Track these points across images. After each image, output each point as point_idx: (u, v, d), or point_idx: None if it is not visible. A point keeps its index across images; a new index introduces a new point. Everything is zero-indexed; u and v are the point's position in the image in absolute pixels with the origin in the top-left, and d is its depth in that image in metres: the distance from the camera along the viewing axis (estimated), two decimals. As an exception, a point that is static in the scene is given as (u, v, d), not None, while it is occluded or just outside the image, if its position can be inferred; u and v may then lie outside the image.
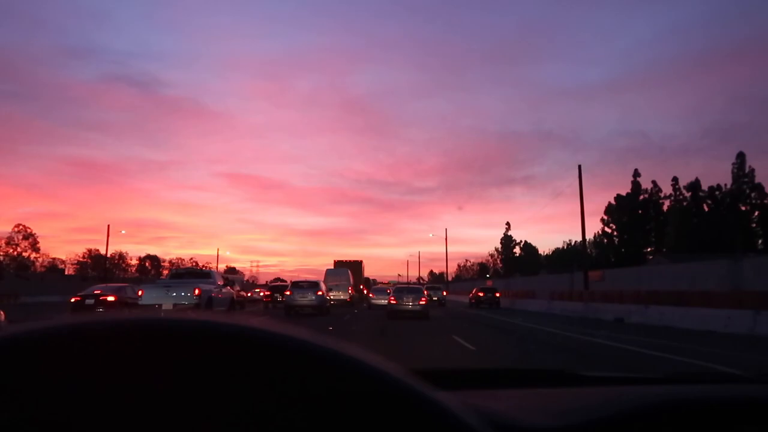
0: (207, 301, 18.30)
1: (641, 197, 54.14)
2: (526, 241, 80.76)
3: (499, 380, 1.30)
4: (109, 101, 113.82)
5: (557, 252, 77.67)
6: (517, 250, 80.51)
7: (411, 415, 0.49)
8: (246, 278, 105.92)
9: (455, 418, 0.49)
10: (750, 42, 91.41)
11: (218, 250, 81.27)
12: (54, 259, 65.98)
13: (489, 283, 50.61)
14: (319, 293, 23.51)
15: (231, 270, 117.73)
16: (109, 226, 49.05)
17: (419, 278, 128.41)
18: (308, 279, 25.71)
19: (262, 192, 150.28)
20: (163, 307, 17.42)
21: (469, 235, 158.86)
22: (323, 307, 23.64)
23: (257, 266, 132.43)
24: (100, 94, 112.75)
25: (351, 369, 0.50)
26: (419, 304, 21.47)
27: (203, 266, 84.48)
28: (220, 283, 20.63)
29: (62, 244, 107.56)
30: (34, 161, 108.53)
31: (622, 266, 41.32)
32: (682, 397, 0.93)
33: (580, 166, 30.65)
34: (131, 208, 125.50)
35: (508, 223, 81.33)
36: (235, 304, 22.29)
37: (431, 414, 0.49)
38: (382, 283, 62.83)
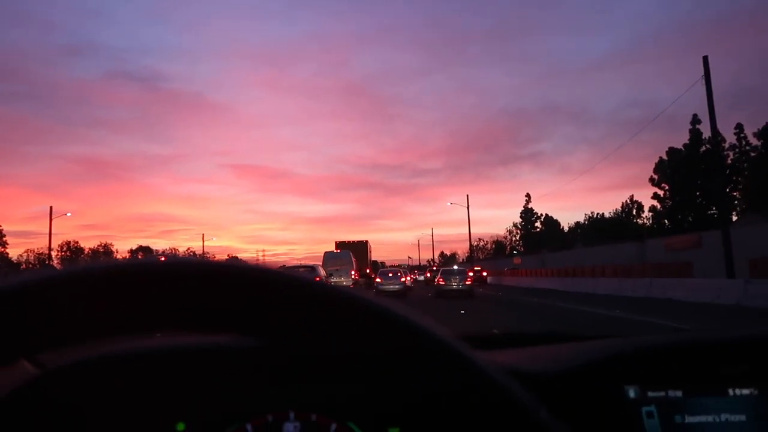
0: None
1: (702, 149, 45.99)
2: (547, 215, 78.28)
3: (516, 341, 1.46)
4: (112, 97, 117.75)
5: (590, 222, 74.64)
6: (537, 225, 78.29)
7: (456, 370, 0.57)
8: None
9: (488, 372, 0.58)
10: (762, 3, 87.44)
11: (203, 236, 78.56)
12: (29, 252, 64.48)
13: (477, 267, 48.18)
14: (317, 279, 21.08)
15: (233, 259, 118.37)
16: (51, 208, 46.93)
17: (430, 260, 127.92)
18: (304, 263, 23.64)
19: (268, 181, 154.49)
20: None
21: (478, 216, 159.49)
22: None
23: (263, 255, 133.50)
24: (103, 91, 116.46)
25: (404, 327, 0.56)
26: (465, 284, 25.32)
27: (191, 254, 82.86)
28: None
29: (100, 244, 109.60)
30: (40, 160, 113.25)
31: (682, 232, 37.82)
32: (668, 343, 1.07)
33: (705, 57, 21.90)
34: (139, 203, 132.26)
35: (528, 195, 78.61)
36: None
37: (471, 369, 0.57)
38: (391, 266, 60.49)
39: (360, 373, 0.62)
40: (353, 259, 32.14)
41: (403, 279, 26.83)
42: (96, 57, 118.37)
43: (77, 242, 70.89)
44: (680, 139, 76.72)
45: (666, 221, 48.55)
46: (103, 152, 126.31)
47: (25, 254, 71.69)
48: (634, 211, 69.02)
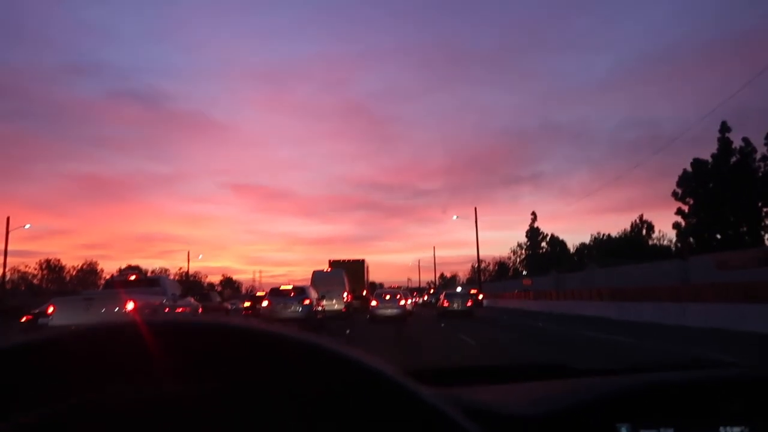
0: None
1: (733, 160, 42.51)
2: (553, 235, 76.27)
3: (500, 376, 1.46)
4: (115, 116, 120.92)
5: (598, 243, 72.53)
6: (543, 245, 76.24)
7: (388, 406, 0.59)
8: (246, 289, 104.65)
9: (431, 408, 0.59)
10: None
11: (189, 253, 76.18)
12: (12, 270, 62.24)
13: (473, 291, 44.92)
14: (306, 302, 19.23)
15: (228, 281, 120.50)
16: (8, 218, 44.01)
17: (430, 282, 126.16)
18: (294, 284, 21.58)
19: (268, 201, 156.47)
20: (82, 330, 13.33)
21: (475, 237, 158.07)
22: (312, 320, 19.23)
23: (260, 276, 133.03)
24: (106, 110, 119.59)
25: (340, 364, 0.60)
26: (466, 306, 29.02)
27: (189, 275, 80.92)
28: (174, 293, 16.54)
29: (72, 261, 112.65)
30: (42, 179, 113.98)
31: (711, 250, 35.23)
32: (662, 381, 1.08)
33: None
34: (139, 223, 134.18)
35: (533, 214, 76.56)
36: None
37: (407, 405, 0.59)
38: (389, 288, 57.23)
39: (299, 411, 0.61)
40: (346, 280, 29.50)
41: (402, 302, 24.33)
42: (98, 76, 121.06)
43: (59, 260, 69.06)
44: (680, 161, 75.59)
45: (691, 239, 45.82)
46: (103, 171, 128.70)
47: (9, 273, 69.58)
48: (644, 231, 67.65)
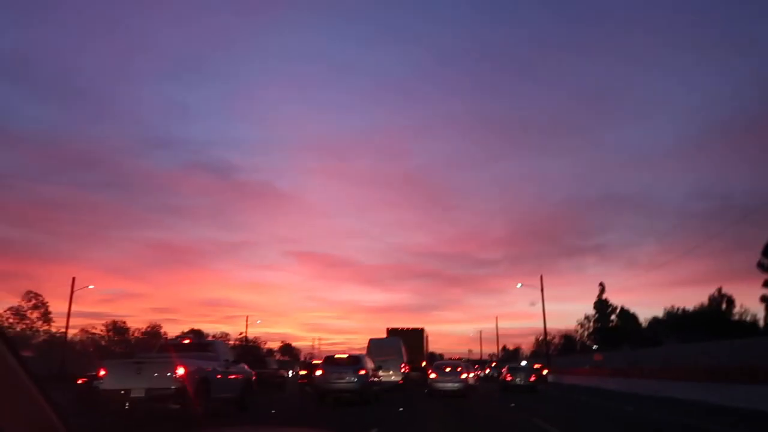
0: (199, 385, 13.81)
1: None
2: (623, 307, 72.11)
3: None
4: (188, 187, 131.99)
5: (671, 317, 67.89)
6: (612, 318, 72.12)
7: None
8: (304, 356, 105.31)
9: None
10: None
11: (247, 319, 75.93)
12: (59, 332, 64.28)
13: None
14: (362, 372, 18.31)
15: (287, 348, 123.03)
16: (74, 279, 45.24)
17: (492, 354, 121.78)
18: (350, 353, 20.79)
19: (329, 269, 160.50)
20: (132, 394, 13.06)
21: (539, 310, 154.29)
22: (366, 392, 18.37)
23: (320, 343, 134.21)
24: (180, 181, 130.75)
25: None
26: (529, 381, 28.61)
27: (234, 338, 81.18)
28: (227, 359, 16.18)
29: (139, 324, 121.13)
30: (117, 245, 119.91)
31: None
32: None
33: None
34: (206, 288, 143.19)
35: (602, 285, 73.04)
36: (251, 386, 17.58)
37: None
38: (449, 359, 53.91)
39: None
40: (403, 349, 28.15)
41: (464, 375, 22.61)
42: (174, 149, 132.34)
43: (124, 322, 70.87)
44: (759, 232, 71.13)
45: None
46: (175, 238, 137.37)
47: (79, 334, 71.91)
48: (724, 305, 62.98)
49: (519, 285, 56.17)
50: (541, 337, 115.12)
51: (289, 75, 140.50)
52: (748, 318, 60.36)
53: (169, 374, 13.09)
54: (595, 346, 64.93)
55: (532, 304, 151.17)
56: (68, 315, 44.42)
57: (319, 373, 19.07)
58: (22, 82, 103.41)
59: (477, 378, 37.59)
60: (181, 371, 13.17)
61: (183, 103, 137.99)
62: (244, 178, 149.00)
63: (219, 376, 15.05)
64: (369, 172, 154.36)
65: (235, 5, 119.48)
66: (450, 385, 21.71)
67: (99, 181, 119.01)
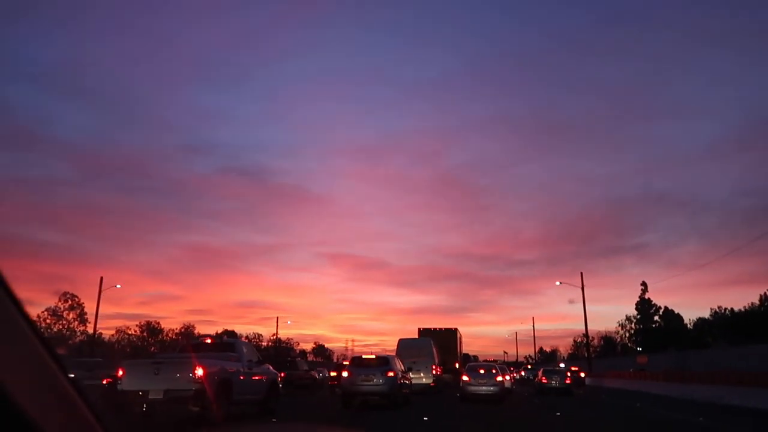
0: (220, 386, 13.29)
1: None
2: (666, 308, 69.57)
3: None
4: (222, 191, 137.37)
5: (719, 317, 65.18)
6: (656, 319, 69.65)
7: None
8: (337, 357, 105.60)
9: None
10: None
11: (277, 319, 75.00)
12: (99, 334, 65.38)
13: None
14: (390, 374, 17.47)
15: (319, 349, 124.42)
16: (102, 278, 44.47)
17: (528, 356, 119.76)
18: (377, 354, 20.03)
19: (362, 271, 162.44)
20: (151, 395, 12.62)
21: (578, 311, 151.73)
22: (395, 395, 17.50)
23: (353, 344, 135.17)
24: (216, 185, 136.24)
25: None
26: (565, 383, 28.95)
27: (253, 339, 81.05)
28: (251, 359, 15.65)
29: (176, 325, 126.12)
30: (155, 248, 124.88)
31: None
32: None
33: None
34: (241, 290, 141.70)
35: (644, 284, 70.58)
36: (277, 388, 17.03)
37: None
38: (484, 361, 51.67)
39: None
40: (435, 350, 27.01)
41: (499, 378, 21.10)
42: (210, 154, 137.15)
43: (158, 322, 72.03)
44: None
45: None
46: (211, 241, 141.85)
47: (116, 335, 73.28)
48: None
49: (558, 283, 54.48)
50: (579, 339, 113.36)
51: (321, 79, 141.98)
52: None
53: (188, 375, 12.60)
54: (638, 348, 62.66)
55: (571, 301, 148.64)
56: (96, 313, 44.96)
57: (345, 374, 18.31)
58: (65, 92, 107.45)
59: (513, 381, 36.26)
60: (200, 372, 12.66)
61: (217, 109, 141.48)
62: (277, 181, 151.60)
63: (242, 378, 14.51)
64: (401, 175, 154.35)
65: (267, 10, 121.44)
66: (485, 389, 20.36)
67: (137, 186, 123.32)
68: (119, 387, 12.77)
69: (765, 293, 60.87)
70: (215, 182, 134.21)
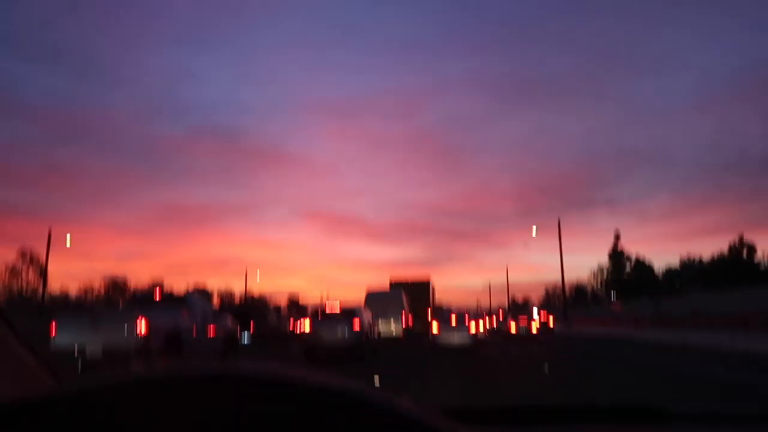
0: (168, 341, 12.25)
1: None
2: (638, 258, 70.52)
3: (574, 417, 1.28)
4: (196, 150, 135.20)
5: (688, 266, 66.60)
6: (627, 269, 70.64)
7: None
8: (311, 311, 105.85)
9: None
10: None
11: (246, 272, 73.25)
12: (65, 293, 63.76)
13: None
14: (356, 327, 16.67)
15: (294, 303, 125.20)
16: (50, 229, 42.71)
17: (501, 307, 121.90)
18: (342, 305, 19.18)
19: (337, 227, 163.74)
20: (88, 351, 11.53)
21: (550, 262, 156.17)
22: (362, 348, 16.78)
23: (327, 297, 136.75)
24: (188, 145, 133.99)
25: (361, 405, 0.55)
26: (530, 332, 32.19)
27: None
28: (205, 313, 14.59)
29: (151, 282, 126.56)
30: (129, 207, 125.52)
31: None
32: None
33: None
34: (217, 247, 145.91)
35: (617, 235, 71.18)
36: (236, 343, 16.11)
37: None
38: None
39: None
40: (405, 301, 26.30)
41: (472, 328, 19.84)
42: (181, 114, 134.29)
43: (124, 279, 70.50)
44: None
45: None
46: (185, 200, 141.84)
47: (80, 292, 71.52)
48: (745, 254, 61.17)
49: (533, 231, 53.88)
50: (550, 289, 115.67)
51: (295, 36, 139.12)
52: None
53: (129, 330, 11.52)
54: (613, 296, 63.58)
55: (525, 243, 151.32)
56: (45, 269, 42.85)
57: (307, 327, 17.45)
58: (33, 53, 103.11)
59: (488, 332, 36.07)
60: (143, 326, 11.59)
61: (189, 68, 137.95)
62: (251, 141, 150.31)
63: (194, 332, 13.50)
64: (377, 132, 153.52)
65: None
66: (457, 340, 19.30)
67: (109, 147, 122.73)
68: (52, 343, 11.62)
69: (734, 242, 62.02)
70: (188, 142, 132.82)
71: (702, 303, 33.85)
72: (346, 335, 16.58)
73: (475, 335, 19.85)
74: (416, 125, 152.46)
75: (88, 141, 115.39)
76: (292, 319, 36.26)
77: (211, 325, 14.43)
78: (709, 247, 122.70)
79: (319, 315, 18.83)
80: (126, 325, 11.52)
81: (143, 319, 11.59)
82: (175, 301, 14.20)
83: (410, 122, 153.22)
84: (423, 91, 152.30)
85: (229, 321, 15.99)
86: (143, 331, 11.55)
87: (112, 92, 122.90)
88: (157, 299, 14.22)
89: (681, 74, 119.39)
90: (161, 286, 20.99)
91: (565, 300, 55.87)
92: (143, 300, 14.18)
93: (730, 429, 1.10)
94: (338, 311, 18.21)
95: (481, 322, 25.70)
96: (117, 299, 67.96)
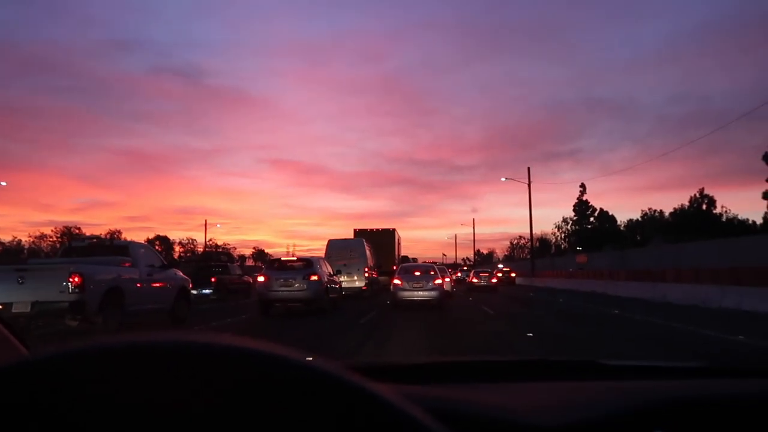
0: (108, 296, 11.26)
1: None
2: (602, 209, 71.29)
3: (511, 373, 1.32)
4: (156, 92, 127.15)
5: (650, 219, 67.73)
6: (591, 220, 71.46)
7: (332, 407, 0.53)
8: (267, 260, 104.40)
9: (390, 410, 0.53)
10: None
11: (206, 222, 71.19)
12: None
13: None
14: (314, 278, 15.79)
15: (260, 254, 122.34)
16: None
17: (466, 258, 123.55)
18: (299, 255, 18.39)
19: (304, 176, 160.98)
20: (14, 309, 10.47)
21: (516, 214, 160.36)
22: (320, 301, 15.95)
23: (294, 248, 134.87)
24: (148, 85, 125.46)
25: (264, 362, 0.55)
26: (490, 283, 34.29)
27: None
28: (151, 264, 13.57)
29: (117, 232, 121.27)
30: (87, 153, 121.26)
31: None
32: (706, 394, 1.00)
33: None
34: (180, 196, 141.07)
35: (582, 186, 71.46)
36: (188, 296, 15.16)
37: (356, 405, 0.53)
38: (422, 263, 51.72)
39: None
40: (368, 251, 25.40)
41: (438, 280, 18.00)
42: (140, 52, 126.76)
43: (78, 228, 68.08)
44: (734, 137, 70.10)
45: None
46: (145, 145, 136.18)
47: (31, 241, 68.96)
48: (705, 206, 62.26)
49: (503, 179, 53.43)
50: (515, 241, 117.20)
51: None
52: (729, 217, 60.20)
53: (61, 284, 10.48)
54: (578, 248, 64.35)
55: (474, 210, 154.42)
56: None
57: (261, 279, 16.50)
58: None
59: (454, 283, 36.04)
60: (77, 280, 10.57)
61: (147, 3, 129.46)
62: (215, 82, 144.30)
63: (138, 285, 12.50)
64: (344, 77, 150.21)
65: None
66: (421, 294, 17.61)
67: (61, 85, 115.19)
68: (-26, 300, 10.51)
69: (695, 195, 63.03)
70: (145, 82, 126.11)
71: (668, 255, 34.22)
72: (305, 287, 15.72)
73: (442, 288, 18.37)
74: (385, 70, 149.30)
75: (37, 78, 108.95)
76: (259, 274, 35.39)
77: (159, 278, 13.46)
78: (670, 201, 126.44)
79: (270, 265, 17.82)
80: (58, 279, 10.49)
81: (77, 274, 10.57)
82: (115, 250, 13.11)
83: (379, 66, 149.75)
84: (392, 34, 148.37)
85: (178, 273, 15.01)
86: (77, 284, 10.55)
87: (62, 23, 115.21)
88: (96, 249, 13.09)
89: (649, 23, 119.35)
90: (112, 235, 19.67)
91: (533, 253, 56.24)
92: (80, 250, 13.03)
93: (660, 383, 1.13)
94: (295, 260, 17.34)
95: (448, 272, 25.45)
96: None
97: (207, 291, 23.45)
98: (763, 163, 43.83)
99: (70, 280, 10.49)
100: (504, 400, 0.91)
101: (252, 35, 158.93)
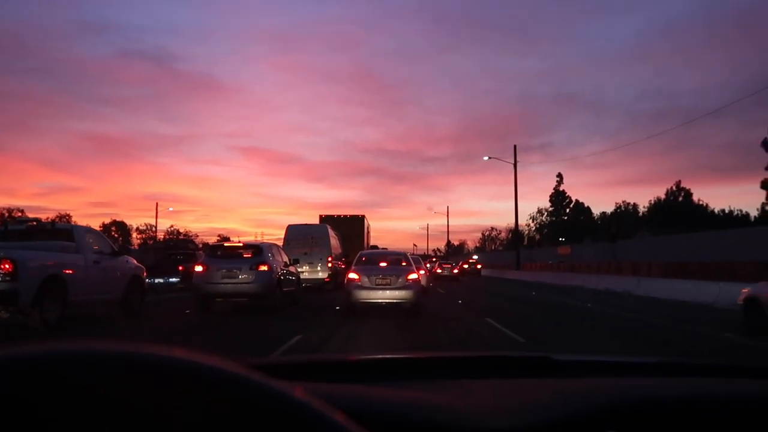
0: (47, 284, 10.46)
1: None
2: (578, 201, 71.73)
3: (468, 369, 1.29)
4: (125, 76, 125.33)
5: (623, 212, 68.64)
6: (566, 212, 71.91)
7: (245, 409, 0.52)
8: (206, 247, 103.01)
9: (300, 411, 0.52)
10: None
11: (157, 206, 68.01)
12: None
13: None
14: (263, 268, 13.77)
15: (225, 241, 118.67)
16: None
17: (436, 250, 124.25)
18: (246, 242, 15.92)
19: (275, 165, 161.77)
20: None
21: (485, 207, 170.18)
22: (272, 295, 13.98)
23: (262, 237, 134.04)
24: (116, 69, 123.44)
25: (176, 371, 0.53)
26: (452, 273, 39.22)
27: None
28: (99, 250, 12.76)
29: (81, 219, 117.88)
30: (52, 136, 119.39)
31: None
32: (660, 395, 1.00)
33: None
34: (148, 182, 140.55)
35: (559, 176, 71.64)
36: (141, 285, 14.25)
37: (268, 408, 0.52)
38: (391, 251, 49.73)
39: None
40: (332, 238, 23.28)
41: (412, 275, 13.15)
42: (108, 34, 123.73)
43: (22, 211, 65.79)
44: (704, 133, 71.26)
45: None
46: (112, 130, 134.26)
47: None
48: (681, 199, 63.08)
49: (486, 158, 51.42)
50: (486, 232, 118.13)
51: None
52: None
53: (-11, 271, 9.70)
54: (561, 238, 64.49)
55: (430, 209, 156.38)
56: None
57: (199, 269, 14.17)
58: None
59: (431, 277, 27.30)
60: (8, 267, 9.79)
61: None
62: (185, 67, 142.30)
63: (82, 273, 11.70)
64: (317, 65, 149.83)
65: None
66: (389, 294, 13.00)
67: (26, 67, 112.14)
68: None
69: (671, 188, 63.84)
70: (112, 66, 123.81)
71: (653, 247, 34.40)
72: (252, 279, 13.80)
73: (417, 284, 13.45)
74: (358, 58, 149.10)
75: (1, 60, 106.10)
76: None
77: (107, 266, 12.65)
78: (642, 195, 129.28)
79: (209, 252, 15.66)
80: (-16, 266, 9.70)
81: (8, 260, 9.79)
82: (57, 235, 12.26)
83: (352, 54, 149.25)
84: (366, 22, 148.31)
85: (131, 260, 14.18)
86: (8, 272, 9.77)
87: (28, 2, 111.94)
88: (35, 233, 12.23)
89: (623, 18, 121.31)
90: (60, 219, 18.68)
91: (517, 243, 55.93)
92: (17, 234, 12.17)
93: (615, 380, 1.14)
94: (240, 247, 15.08)
95: (422, 268, 19.90)
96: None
97: (174, 279, 22.77)
98: (731, 159, 44.33)
99: (0, 267, 9.72)
100: (450, 399, 0.88)
101: (225, 21, 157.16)
